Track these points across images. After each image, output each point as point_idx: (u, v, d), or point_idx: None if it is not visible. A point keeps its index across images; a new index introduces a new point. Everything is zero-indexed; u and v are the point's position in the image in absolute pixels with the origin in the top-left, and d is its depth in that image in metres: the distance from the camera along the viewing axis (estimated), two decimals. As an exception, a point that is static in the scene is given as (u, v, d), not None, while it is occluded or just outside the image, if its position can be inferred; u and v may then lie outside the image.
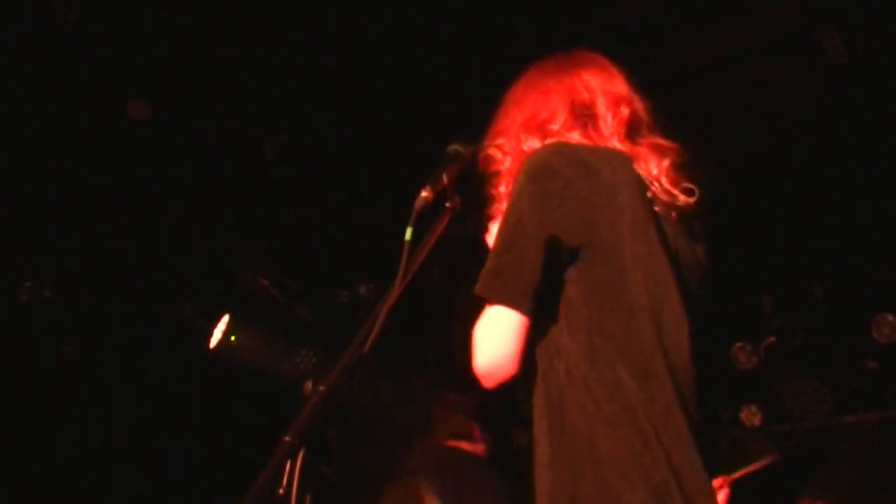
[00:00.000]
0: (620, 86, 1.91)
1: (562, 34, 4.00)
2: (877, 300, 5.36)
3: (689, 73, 4.15)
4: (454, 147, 1.78)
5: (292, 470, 1.27)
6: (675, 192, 1.81)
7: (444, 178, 1.69)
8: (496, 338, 1.62)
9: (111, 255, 5.01)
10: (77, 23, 3.74)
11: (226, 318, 5.39)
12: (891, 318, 5.31)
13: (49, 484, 4.80)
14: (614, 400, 1.58)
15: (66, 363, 5.03)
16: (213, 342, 5.34)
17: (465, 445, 3.61)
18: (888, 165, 4.63)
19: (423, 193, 1.65)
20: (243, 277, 5.58)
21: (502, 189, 1.88)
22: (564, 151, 1.73)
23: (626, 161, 1.77)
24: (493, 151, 1.89)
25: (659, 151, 1.84)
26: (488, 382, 1.64)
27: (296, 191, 5.12)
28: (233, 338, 5.40)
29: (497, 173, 1.89)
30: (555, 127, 1.84)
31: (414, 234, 1.57)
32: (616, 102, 1.87)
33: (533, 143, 1.84)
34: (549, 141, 1.82)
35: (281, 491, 1.26)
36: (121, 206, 4.80)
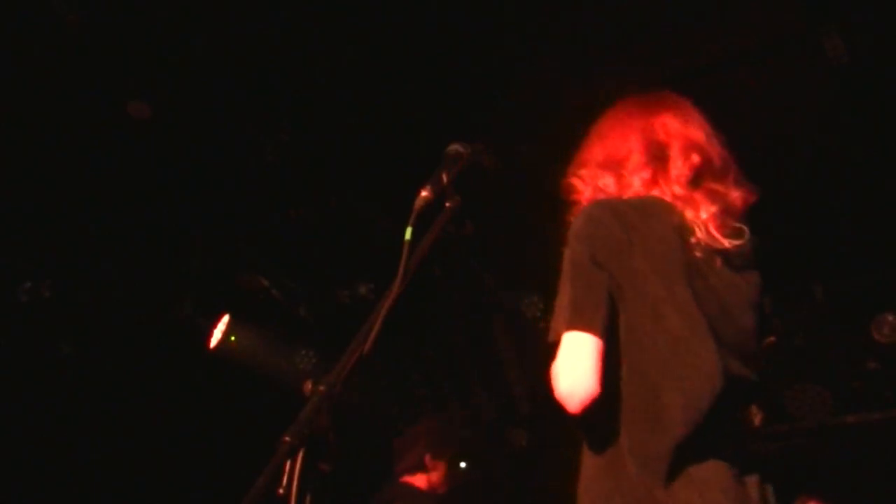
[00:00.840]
0: (697, 132, 1.99)
1: (561, 35, 4.00)
2: (877, 300, 5.35)
3: (690, 73, 4.14)
4: (454, 147, 1.79)
5: (292, 470, 1.27)
6: (719, 236, 1.87)
7: (444, 178, 1.70)
8: (575, 361, 1.68)
9: (111, 255, 5.01)
10: (78, 23, 3.75)
11: (226, 318, 5.40)
12: (891, 318, 5.30)
13: (49, 484, 4.80)
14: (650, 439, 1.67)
15: (66, 363, 5.03)
16: (213, 342, 5.35)
17: (418, 478, 3.72)
18: (888, 165, 4.63)
19: (423, 193, 1.66)
20: (243, 278, 5.58)
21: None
22: (608, 206, 1.87)
23: (665, 212, 1.86)
24: (576, 182, 2.01)
25: (712, 197, 1.91)
26: (572, 405, 1.66)
27: (296, 191, 5.12)
28: (233, 338, 5.40)
29: (576, 203, 2.00)
30: (626, 171, 1.96)
31: (414, 234, 1.58)
32: (689, 148, 1.96)
33: (606, 181, 1.96)
34: (611, 192, 1.96)
35: (281, 491, 1.26)
36: (121, 206, 4.80)
